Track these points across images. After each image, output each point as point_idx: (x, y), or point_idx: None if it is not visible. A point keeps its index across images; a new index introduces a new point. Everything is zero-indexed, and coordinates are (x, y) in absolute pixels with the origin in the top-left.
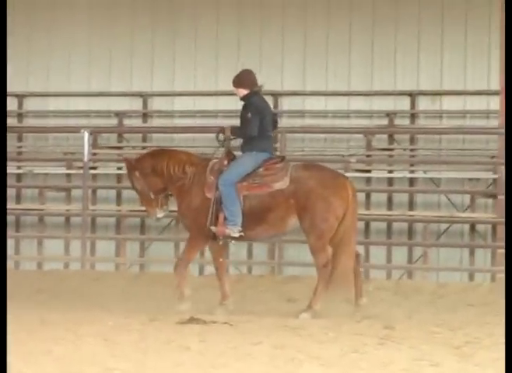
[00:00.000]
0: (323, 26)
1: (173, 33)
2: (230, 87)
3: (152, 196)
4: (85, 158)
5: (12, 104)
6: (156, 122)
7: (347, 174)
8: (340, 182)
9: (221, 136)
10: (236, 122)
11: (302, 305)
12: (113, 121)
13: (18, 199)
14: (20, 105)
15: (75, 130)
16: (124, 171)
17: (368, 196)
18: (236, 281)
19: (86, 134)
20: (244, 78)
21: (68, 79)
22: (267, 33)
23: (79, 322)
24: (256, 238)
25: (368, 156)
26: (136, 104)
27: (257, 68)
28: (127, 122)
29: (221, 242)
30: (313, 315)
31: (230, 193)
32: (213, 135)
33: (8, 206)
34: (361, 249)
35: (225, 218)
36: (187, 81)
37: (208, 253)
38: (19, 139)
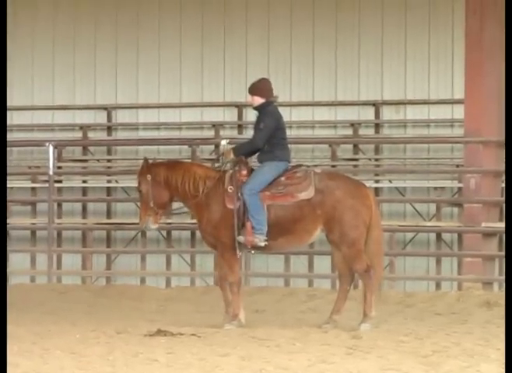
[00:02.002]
0: (286, 37)
1: (136, 46)
2: (194, 99)
3: (152, 205)
4: (50, 172)
5: None
6: (120, 135)
7: None
8: (363, 191)
9: (220, 161)
10: (200, 134)
11: (269, 316)
12: (78, 134)
13: None
14: None
15: (40, 143)
16: (88, 184)
17: None
18: (203, 293)
19: (51, 148)
20: (262, 87)
21: (31, 93)
22: (230, 46)
23: (46, 336)
24: (278, 249)
25: (333, 166)
26: (100, 117)
27: (221, 80)
28: (91, 135)
29: (240, 253)
30: (372, 323)
31: (256, 203)
32: (177, 147)
33: None
34: (327, 259)
35: (252, 227)
36: (151, 94)
37: (174, 265)
38: None
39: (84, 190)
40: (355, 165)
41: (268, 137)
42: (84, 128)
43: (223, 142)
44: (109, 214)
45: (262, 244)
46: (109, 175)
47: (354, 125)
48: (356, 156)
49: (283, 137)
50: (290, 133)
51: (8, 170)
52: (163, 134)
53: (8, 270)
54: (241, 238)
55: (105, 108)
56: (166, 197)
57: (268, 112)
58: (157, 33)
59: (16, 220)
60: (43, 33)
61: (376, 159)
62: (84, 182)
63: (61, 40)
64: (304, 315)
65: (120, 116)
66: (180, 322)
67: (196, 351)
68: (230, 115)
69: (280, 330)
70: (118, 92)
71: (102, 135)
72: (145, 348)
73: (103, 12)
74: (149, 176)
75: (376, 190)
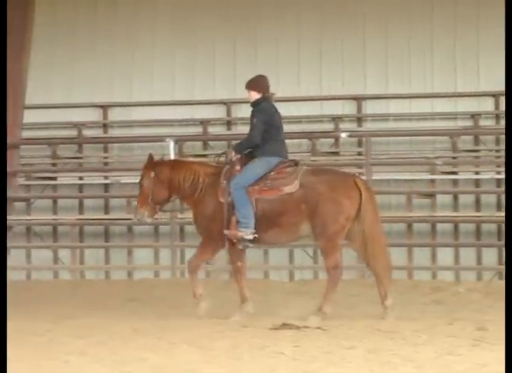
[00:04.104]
0: (404, 29)
1: (255, 41)
2: (313, 92)
3: (149, 201)
4: None
5: (96, 115)
6: (239, 129)
7: (433, 176)
8: (348, 183)
9: (222, 158)
10: (320, 127)
11: (394, 309)
12: (198, 129)
13: (106, 209)
14: (105, 115)
15: (161, 139)
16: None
17: (455, 197)
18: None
19: (172, 143)
20: (258, 82)
21: (151, 89)
22: (347, 39)
23: (172, 330)
24: (271, 242)
25: (454, 158)
26: (220, 112)
27: (340, 73)
28: (211, 130)
29: (240, 246)
30: (323, 318)
31: (241, 196)
32: (296, 141)
33: (97, 216)
34: (450, 251)
35: (237, 221)
36: (271, 88)
37: (297, 258)
38: (105, 149)
39: None
40: (476, 157)
41: (263, 133)
42: (204, 123)
43: (343, 135)
44: None
45: (249, 237)
46: None
47: (474, 116)
48: (477, 147)
49: (277, 132)
50: (410, 125)
51: (130, 166)
52: (293, 127)
53: (132, 265)
54: (226, 232)
55: (224, 103)
56: (166, 196)
57: (261, 108)
58: (275, 25)
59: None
60: (162, 30)
61: (498, 150)
62: None
63: (181, 36)
64: (428, 308)
65: (240, 111)
66: (305, 315)
67: (321, 344)
68: (350, 108)
69: (405, 323)
70: (237, 87)
71: (221, 130)
72: (270, 341)
73: (221, 7)
74: (152, 173)
75: (498, 181)
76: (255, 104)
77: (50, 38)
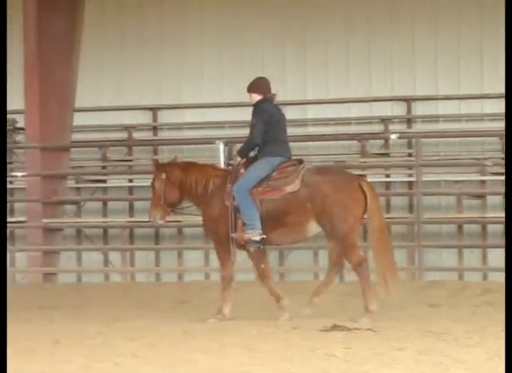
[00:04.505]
0: (453, 30)
1: (303, 42)
2: (362, 94)
3: (162, 203)
4: None
5: (146, 117)
6: (290, 131)
7: (483, 177)
8: (353, 184)
9: (231, 162)
10: (369, 129)
11: (444, 310)
12: (248, 131)
13: None
14: (155, 118)
15: (210, 141)
16: None
17: None
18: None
19: (222, 145)
20: (258, 84)
21: (200, 91)
22: (397, 39)
23: (222, 332)
24: (278, 243)
25: (504, 159)
26: None
27: (389, 74)
28: None
29: (251, 248)
30: (372, 317)
31: (245, 199)
32: (346, 142)
33: (147, 218)
34: (501, 253)
35: (243, 224)
36: (320, 90)
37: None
38: (155, 152)
39: None
40: None
41: (263, 133)
42: None
43: (393, 136)
44: None
45: (257, 238)
46: None
47: None
48: None
49: (277, 133)
50: (459, 126)
51: None
52: (331, 129)
53: (183, 267)
54: (234, 235)
55: None
56: (177, 198)
57: (260, 108)
58: (324, 27)
59: (189, 217)
60: (210, 29)
61: None
62: None
63: (229, 37)
64: (479, 309)
65: (289, 113)
66: (355, 317)
67: (373, 346)
68: (399, 109)
69: (456, 324)
70: (286, 89)
71: None
72: (321, 343)
73: (269, 8)
74: (163, 175)
75: None
76: (255, 105)
77: (98, 40)
